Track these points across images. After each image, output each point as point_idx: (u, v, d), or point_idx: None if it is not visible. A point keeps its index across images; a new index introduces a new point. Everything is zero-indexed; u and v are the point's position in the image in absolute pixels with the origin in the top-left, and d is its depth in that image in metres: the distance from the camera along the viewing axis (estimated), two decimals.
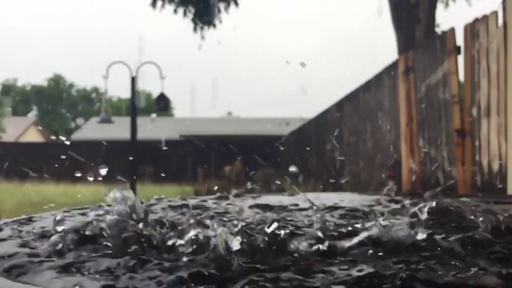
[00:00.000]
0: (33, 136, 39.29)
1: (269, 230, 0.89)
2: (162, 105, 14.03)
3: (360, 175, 9.76)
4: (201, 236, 0.85)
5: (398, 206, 1.32)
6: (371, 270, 0.70)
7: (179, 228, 0.94)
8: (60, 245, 0.86)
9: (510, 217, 1.05)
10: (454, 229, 1.02)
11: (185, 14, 13.75)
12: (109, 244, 0.88)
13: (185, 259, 0.78)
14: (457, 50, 5.72)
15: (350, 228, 0.97)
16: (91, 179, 1.24)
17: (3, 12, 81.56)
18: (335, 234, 0.95)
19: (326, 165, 12.71)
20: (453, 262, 0.76)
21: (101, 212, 1.01)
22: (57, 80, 57.81)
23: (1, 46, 74.15)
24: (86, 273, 0.73)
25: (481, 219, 1.00)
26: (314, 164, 14.45)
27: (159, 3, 13.54)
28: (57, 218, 0.97)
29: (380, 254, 0.83)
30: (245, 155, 15.82)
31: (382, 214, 0.98)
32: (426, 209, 1.01)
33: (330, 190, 11.48)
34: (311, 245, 0.85)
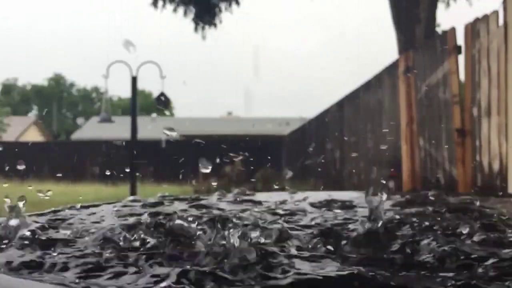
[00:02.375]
0: (34, 135, 39.30)
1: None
2: (162, 104, 14.04)
3: (360, 175, 9.76)
4: None
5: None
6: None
7: None
8: None
9: None
10: None
11: (185, 13, 13.74)
12: None
13: None
14: (458, 49, 5.72)
15: None
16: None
17: (3, 12, 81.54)
18: None
19: (327, 165, 12.71)
20: None
21: None
22: (57, 80, 57.82)
23: (1, 46, 74.16)
24: None
25: None
26: (315, 163, 14.46)
27: (160, 3, 13.54)
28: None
29: None
30: (245, 155, 15.81)
31: None
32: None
33: (330, 189, 11.46)
34: None
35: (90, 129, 32.44)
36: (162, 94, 13.91)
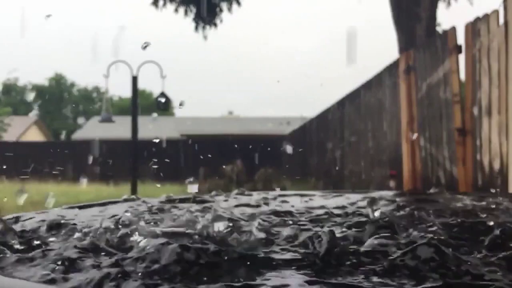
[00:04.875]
0: (34, 135, 39.32)
1: None
2: (162, 104, 14.04)
3: (361, 175, 9.76)
4: None
5: None
6: None
7: None
8: None
9: None
10: None
11: (186, 13, 13.75)
12: None
13: None
14: (458, 49, 5.72)
15: None
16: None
17: (3, 12, 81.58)
18: None
19: (327, 164, 12.71)
20: None
21: None
22: (58, 80, 57.82)
23: (1, 46, 74.18)
24: None
25: None
26: (315, 163, 14.46)
27: (160, 2, 13.54)
28: None
29: None
30: (245, 155, 15.86)
31: None
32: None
33: (330, 189, 11.48)
34: None
35: (91, 129, 32.45)
36: (162, 94, 13.91)
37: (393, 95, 7.78)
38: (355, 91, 10.31)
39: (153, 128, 22.91)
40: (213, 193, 1.63)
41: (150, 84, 55.39)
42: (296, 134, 18.83)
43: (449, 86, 5.85)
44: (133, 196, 1.61)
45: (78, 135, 33.77)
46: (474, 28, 5.33)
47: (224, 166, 15.30)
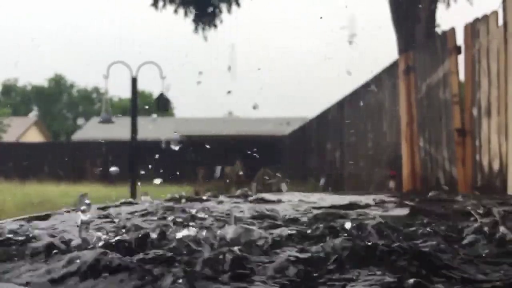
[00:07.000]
0: (34, 136, 39.31)
1: None
2: (162, 105, 14.04)
3: (361, 175, 9.76)
4: None
5: None
6: None
7: None
8: None
9: None
10: None
11: (186, 14, 13.76)
12: None
13: None
14: (458, 49, 5.73)
15: None
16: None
17: (3, 12, 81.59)
18: None
19: (327, 165, 12.71)
20: None
21: None
22: (57, 80, 57.78)
23: (1, 46, 74.19)
24: None
25: None
26: (315, 164, 14.46)
27: (160, 3, 13.55)
28: None
29: None
30: (245, 155, 15.85)
31: None
32: None
33: (330, 190, 11.48)
34: None
35: (91, 130, 32.46)
36: (161, 94, 13.92)
37: (393, 96, 7.79)
38: (355, 91, 10.32)
39: (152, 129, 22.90)
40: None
41: (150, 85, 55.41)
42: (295, 135, 18.83)
43: (449, 87, 5.86)
44: (131, 199, 1.61)
45: (77, 135, 33.79)
46: (473, 29, 5.34)
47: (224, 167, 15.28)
